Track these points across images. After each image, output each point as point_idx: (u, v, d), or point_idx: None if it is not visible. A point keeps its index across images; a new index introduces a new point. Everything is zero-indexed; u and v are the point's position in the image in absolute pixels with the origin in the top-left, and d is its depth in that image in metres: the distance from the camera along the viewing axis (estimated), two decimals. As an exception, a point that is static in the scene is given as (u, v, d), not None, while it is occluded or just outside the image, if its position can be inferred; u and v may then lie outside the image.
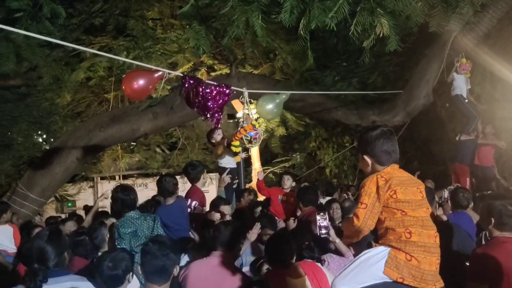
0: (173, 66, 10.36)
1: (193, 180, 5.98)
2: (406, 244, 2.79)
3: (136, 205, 4.94)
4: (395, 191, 2.84)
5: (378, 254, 2.87)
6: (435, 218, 4.61)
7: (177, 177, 6.64)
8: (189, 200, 5.70)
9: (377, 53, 8.86)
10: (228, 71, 9.92)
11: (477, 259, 3.54)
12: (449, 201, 5.69)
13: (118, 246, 4.41)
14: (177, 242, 3.29)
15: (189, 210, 5.53)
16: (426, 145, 13.20)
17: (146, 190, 14.25)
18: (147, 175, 14.71)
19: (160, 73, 5.59)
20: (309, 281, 3.82)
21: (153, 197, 6.62)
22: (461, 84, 8.67)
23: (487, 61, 8.28)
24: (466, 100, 8.80)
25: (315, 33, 8.29)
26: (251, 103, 10.91)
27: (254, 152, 11.85)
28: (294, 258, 4.04)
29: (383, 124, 3.17)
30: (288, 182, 7.22)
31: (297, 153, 15.34)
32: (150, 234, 4.58)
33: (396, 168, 2.97)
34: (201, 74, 11.04)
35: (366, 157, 2.99)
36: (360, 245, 3.73)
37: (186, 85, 5.67)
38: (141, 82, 5.48)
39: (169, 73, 5.64)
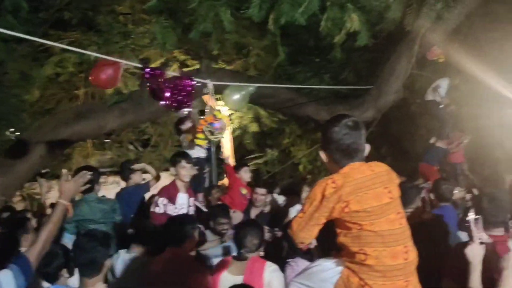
0: (146, 61, 10.20)
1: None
2: (361, 267, 2.34)
3: (94, 188, 4.98)
4: (347, 202, 2.32)
5: (330, 270, 2.48)
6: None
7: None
8: (156, 197, 5.57)
9: (349, 48, 8.86)
10: (201, 67, 9.83)
11: (452, 255, 3.48)
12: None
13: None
14: (109, 236, 3.27)
15: (157, 209, 5.40)
16: (399, 141, 13.32)
17: (118, 188, 14.06)
18: (119, 173, 14.49)
19: (119, 65, 5.48)
20: (244, 282, 3.65)
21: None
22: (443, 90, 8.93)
23: (455, 57, 8.36)
24: (441, 106, 8.97)
25: (287, 28, 8.28)
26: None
27: (227, 149, 11.80)
28: (254, 252, 3.97)
29: (347, 115, 2.54)
30: (247, 175, 7.04)
31: (271, 150, 15.33)
32: (103, 219, 4.63)
33: (357, 166, 2.44)
34: (173, 69, 10.92)
35: (322, 153, 2.53)
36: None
37: (147, 76, 5.57)
38: (108, 71, 5.41)
39: (127, 65, 5.52)
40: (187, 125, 7.09)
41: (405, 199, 3.50)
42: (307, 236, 2.43)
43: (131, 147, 13.94)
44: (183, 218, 4.39)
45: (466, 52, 8.62)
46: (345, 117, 2.50)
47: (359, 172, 2.42)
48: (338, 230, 2.45)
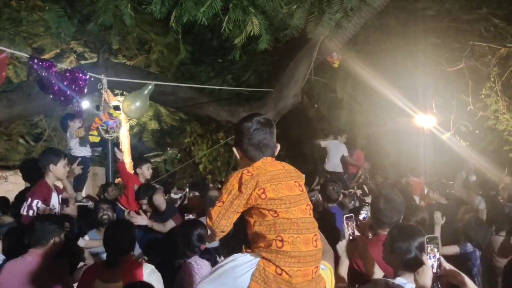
0: (40, 51, 9.69)
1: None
2: (277, 254, 2.39)
3: None
4: (263, 189, 2.42)
5: (245, 264, 2.47)
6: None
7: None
8: (29, 200, 4.90)
9: (252, 51, 8.99)
10: (100, 60, 9.48)
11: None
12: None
13: None
14: None
15: (30, 212, 4.84)
16: (297, 144, 13.74)
17: (6, 184, 13.31)
18: (7, 168, 13.65)
19: (4, 54, 5.05)
20: None
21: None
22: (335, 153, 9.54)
23: (351, 66, 8.75)
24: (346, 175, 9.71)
25: (191, 27, 8.24)
26: (122, 94, 10.60)
27: (125, 147, 11.51)
28: (125, 255, 3.68)
29: (259, 113, 2.63)
30: (148, 172, 6.87)
31: (171, 148, 15.20)
32: None
33: (269, 161, 2.54)
34: (70, 61, 10.47)
35: (235, 149, 2.61)
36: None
37: (35, 67, 5.26)
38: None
39: (14, 54, 5.18)
40: (76, 122, 6.76)
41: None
42: (228, 224, 2.45)
43: (21, 140, 13.16)
44: (48, 219, 4.01)
45: (361, 61, 9.06)
46: (258, 115, 2.60)
47: (271, 165, 2.54)
48: (252, 221, 2.48)
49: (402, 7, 9.90)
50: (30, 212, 4.82)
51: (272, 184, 2.44)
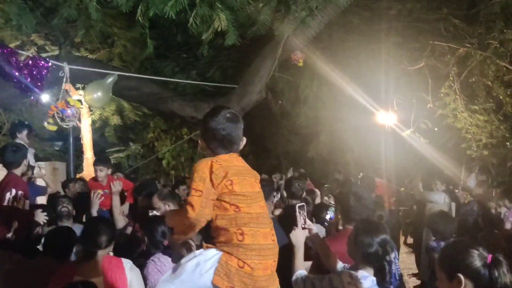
0: (-1, 43, 9.43)
1: (12, 165, 5.14)
2: (238, 248, 2.43)
3: None
4: (231, 181, 2.45)
5: (208, 260, 2.46)
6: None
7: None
8: (13, 190, 4.83)
9: (217, 47, 8.97)
10: (61, 54, 9.28)
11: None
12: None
13: None
14: None
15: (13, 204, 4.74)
16: (261, 139, 13.81)
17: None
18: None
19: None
20: (104, 285, 3.35)
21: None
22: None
23: (316, 63, 8.85)
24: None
25: (156, 21, 8.15)
26: (84, 88, 10.41)
27: (87, 141, 11.31)
28: (104, 250, 3.57)
29: (227, 107, 2.63)
30: (102, 173, 6.46)
31: (134, 143, 15.03)
32: None
33: (235, 156, 2.58)
34: (31, 54, 10.21)
35: (201, 141, 2.64)
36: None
37: None
38: None
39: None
40: (23, 135, 6.68)
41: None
42: (210, 213, 2.46)
43: (-21, 134, 12.76)
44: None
45: (325, 58, 9.16)
46: (225, 109, 2.61)
47: (236, 161, 2.59)
48: (214, 216, 2.48)
49: (365, 5, 10.06)
50: (15, 204, 4.74)
51: (238, 178, 2.49)
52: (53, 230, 4.21)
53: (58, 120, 6.21)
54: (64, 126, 6.45)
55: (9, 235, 4.59)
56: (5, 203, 4.69)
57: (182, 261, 2.57)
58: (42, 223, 4.69)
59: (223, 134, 2.53)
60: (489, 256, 2.27)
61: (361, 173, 9.00)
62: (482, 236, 5.45)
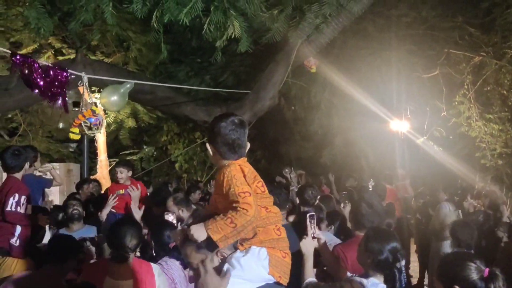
0: (18, 46, 9.58)
1: (13, 169, 5.04)
2: (277, 242, 2.57)
3: None
4: (262, 182, 2.57)
5: (257, 254, 2.50)
6: None
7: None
8: (16, 195, 4.76)
9: (230, 52, 9.02)
10: (77, 57, 9.40)
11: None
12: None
13: None
14: None
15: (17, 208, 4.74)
16: (274, 145, 13.83)
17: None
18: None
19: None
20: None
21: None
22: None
23: (329, 70, 8.86)
24: None
25: (170, 26, 8.23)
26: (99, 91, 10.54)
27: (101, 144, 11.43)
28: (133, 253, 3.60)
29: (234, 113, 2.68)
30: (123, 174, 6.52)
31: (147, 146, 15.13)
32: None
33: (246, 161, 2.61)
34: (48, 57, 10.37)
35: (208, 146, 2.61)
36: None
37: (17, 63, 5.23)
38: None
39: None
40: None
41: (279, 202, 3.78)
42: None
43: (-5, 135, 12.99)
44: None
45: (338, 65, 9.18)
46: (233, 115, 2.64)
47: (248, 165, 2.64)
48: None
49: (380, 13, 10.06)
50: (18, 209, 4.74)
51: (259, 180, 2.61)
52: (53, 237, 4.26)
53: (85, 129, 6.31)
54: (90, 134, 6.56)
55: (13, 240, 4.71)
56: (8, 208, 4.68)
57: (234, 256, 2.51)
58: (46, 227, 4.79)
59: (231, 139, 2.54)
60: (486, 270, 2.29)
61: (371, 180, 8.95)
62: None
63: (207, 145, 2.63)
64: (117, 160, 13.89)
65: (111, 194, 6.07)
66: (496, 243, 6.10)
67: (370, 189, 8.78)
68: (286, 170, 8.45)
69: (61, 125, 13.64)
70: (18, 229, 4.76)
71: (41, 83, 5.37)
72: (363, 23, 9.83)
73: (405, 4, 10.31)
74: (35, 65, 5.31)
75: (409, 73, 10.76)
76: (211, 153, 2.62)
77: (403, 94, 11.29)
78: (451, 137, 11.79)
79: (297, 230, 3.86)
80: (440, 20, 10.42)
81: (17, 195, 4.75)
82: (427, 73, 10.70)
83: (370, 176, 11.43)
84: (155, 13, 6.09)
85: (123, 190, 6.33)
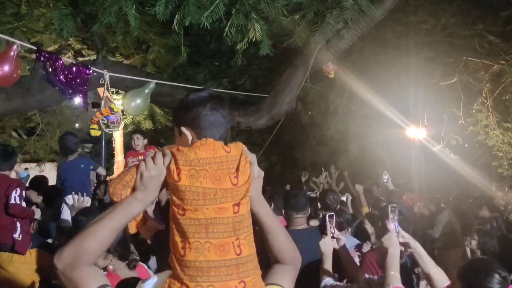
0: (38, 46, 9.69)
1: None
2: (181, 266, 1.71)
3: None
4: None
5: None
6: None
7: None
8: (18, 189, 4.94)
9: (249, 56, 9.06)
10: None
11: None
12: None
13: None
14: None
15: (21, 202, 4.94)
16: (289, 149, 13.84)
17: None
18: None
19: (14, 47, 5.14)
20: None
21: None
22: None
23: (346, 76, 8.86)
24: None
25: (189, 29, 8.30)
26: (118, 93, 10.63)
27: (118, 145, 11.51)
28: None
29: (208, 88, 2.04)
30: (140, 141, 6.87)
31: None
32: None
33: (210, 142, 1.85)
34: (68, 57, 10.48)
35: (184, 129, 1.89)
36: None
37: (42, 59, 5.33)
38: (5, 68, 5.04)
39: (21, 45, 5.24)
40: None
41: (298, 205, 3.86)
42: None
43: (14, 134, 13.11)
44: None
45: (356, 71, 9.17)
46: (208, 89, 2.00)
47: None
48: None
49: (399, 19, 10.06)
50: (22, 202, 4.94)
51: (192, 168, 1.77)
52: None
53: (103, 127, 6.44)
54: (108, 131, 6.70)
55: (16, 235, 4.80)
56: (13, 201, 4.85)
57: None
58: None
59: (213, 120, 1.90)
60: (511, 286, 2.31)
61: (385, 171, 8.95)
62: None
63: (182, 128, 1.92)
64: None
65: (130, 157, 6.27)
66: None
67: (385, 181, 8.83)
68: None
69: (77, 126, 13.78)
70: (19, 224, 4.90)
71: (63, 79, 5.46)
72: (381, 29, 9.82)
73: (424, 11, 10.30)
74: (59, 61, 5.41)
75: (427, 80, 10.72)
76: (188, 137, 1.91)
77: (421, 101, 11.25)
78: (466, 145, 11.70)
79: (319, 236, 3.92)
80: (459, 28, 10.38)
81: (18, 190, 4.94)
82: (445, 80, 10.65)
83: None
84: (176, 16, 6.14)
85: (141, 156, 6.41)
